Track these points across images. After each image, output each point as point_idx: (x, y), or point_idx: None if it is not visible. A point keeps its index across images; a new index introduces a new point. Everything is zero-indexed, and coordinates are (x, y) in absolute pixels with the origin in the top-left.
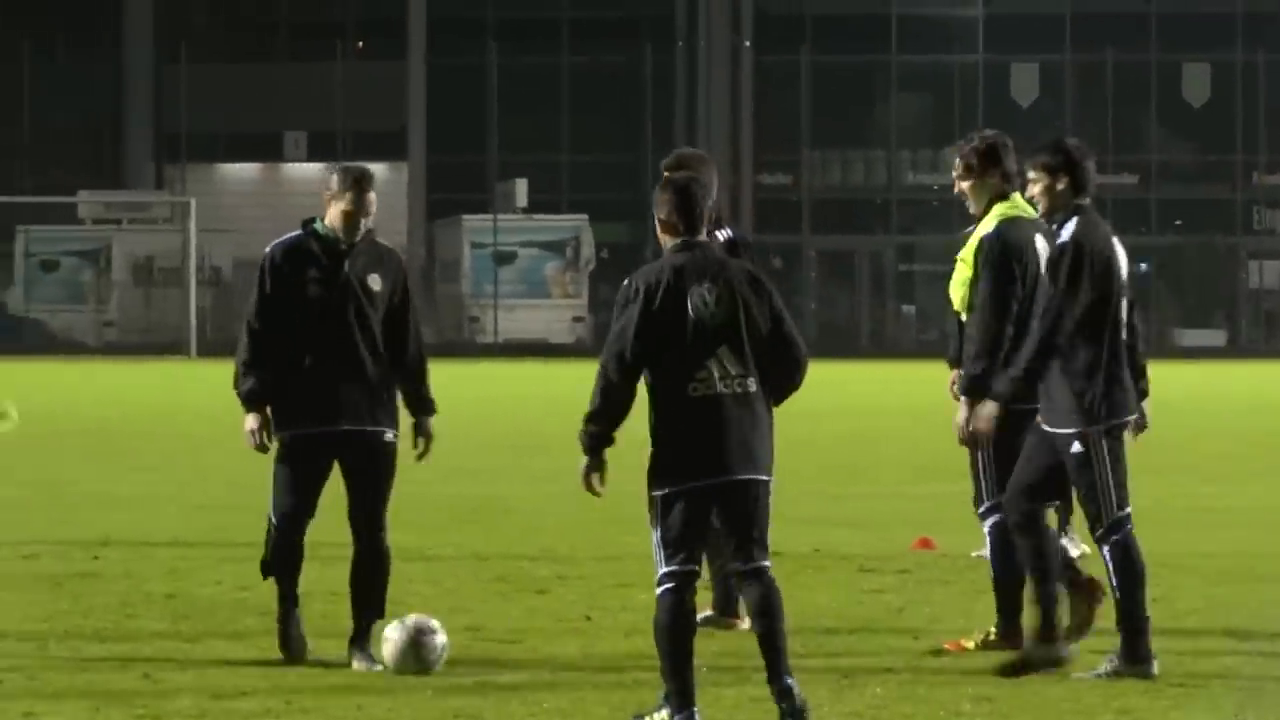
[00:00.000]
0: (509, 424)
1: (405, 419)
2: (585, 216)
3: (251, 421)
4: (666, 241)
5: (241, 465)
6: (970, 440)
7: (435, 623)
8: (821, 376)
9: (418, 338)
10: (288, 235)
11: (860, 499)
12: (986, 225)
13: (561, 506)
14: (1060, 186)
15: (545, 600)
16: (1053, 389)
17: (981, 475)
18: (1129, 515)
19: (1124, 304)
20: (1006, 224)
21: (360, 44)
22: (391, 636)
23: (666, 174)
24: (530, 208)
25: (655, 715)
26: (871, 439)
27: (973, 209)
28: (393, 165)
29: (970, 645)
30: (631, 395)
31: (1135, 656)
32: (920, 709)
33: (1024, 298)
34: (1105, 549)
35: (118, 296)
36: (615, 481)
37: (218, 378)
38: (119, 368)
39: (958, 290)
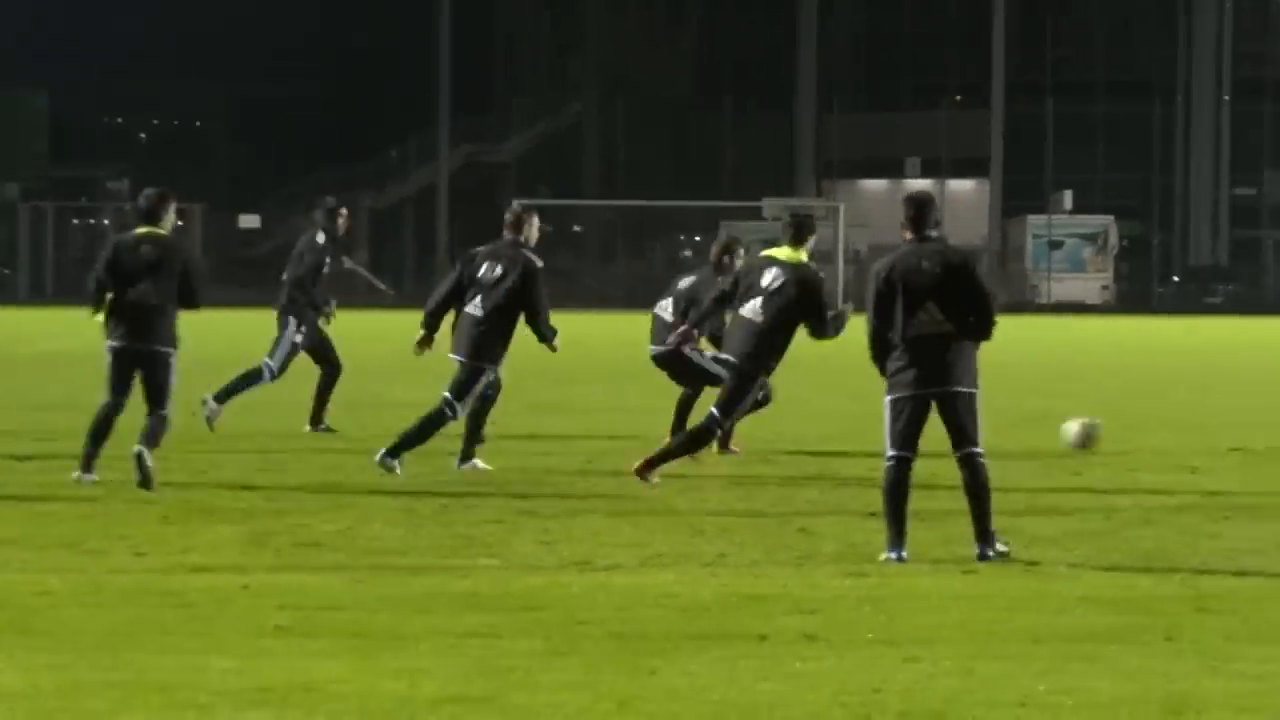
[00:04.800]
0: (1060, 356)
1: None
2: (1111, 217)
3: None
4: (907, 235)
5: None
6: None
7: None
8: None
9: None
10: None
11: None
12: None
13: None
14: None
15: None
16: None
17: None
18: None
19: None
20: None
21: (958, 97)
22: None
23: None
24: (1074, 210)
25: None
26: None
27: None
28: (979, 182)
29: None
30: None
31: None
32: None
33: None
34: None
35: None
36: None
37: (850, 333)
38: None
39: None
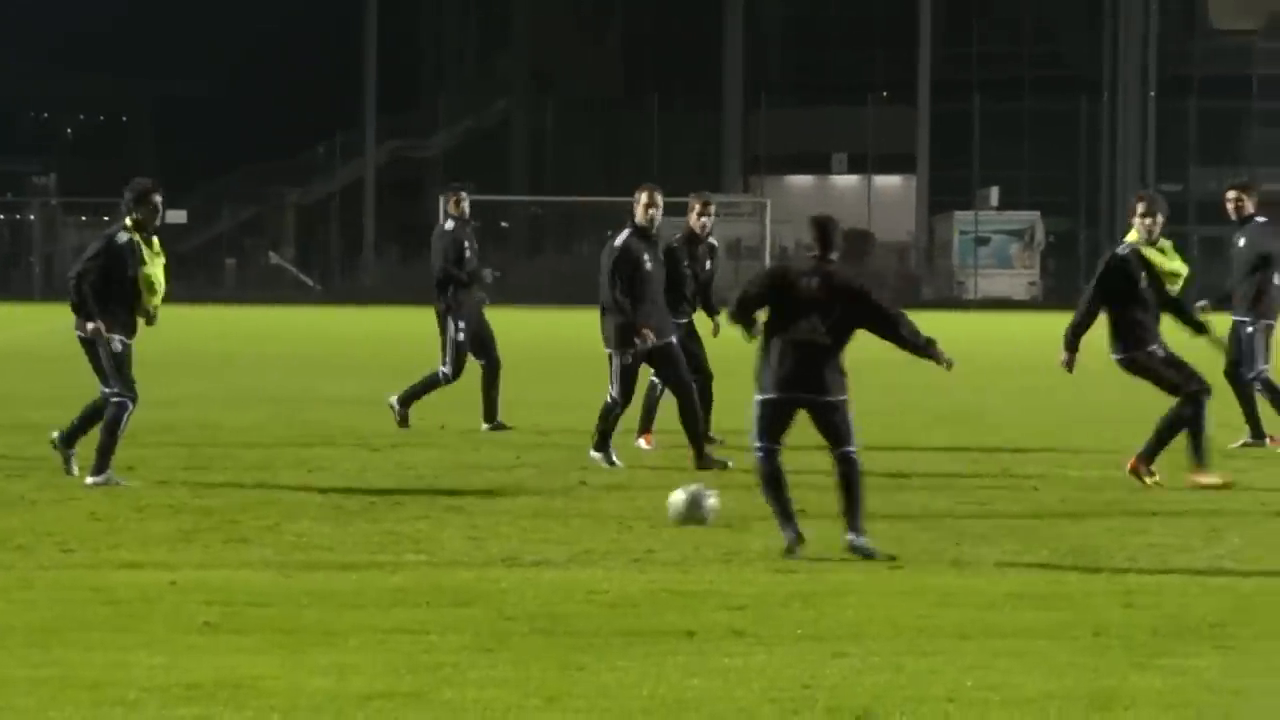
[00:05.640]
0: (987, 352)
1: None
2: (1038, 213)
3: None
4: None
5: None
6: None
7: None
8: None
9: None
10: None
11: None
12: None
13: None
14: None
15: None
16: None
17: None
18: None
19: None
20: None
21: (885, 93)
22: (674, 499)
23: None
24: (1000, 206)
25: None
26: None
27: None
28: (906, 178)
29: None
30: None
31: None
32: None
33: None
34: None
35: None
36: None
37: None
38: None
39: None
